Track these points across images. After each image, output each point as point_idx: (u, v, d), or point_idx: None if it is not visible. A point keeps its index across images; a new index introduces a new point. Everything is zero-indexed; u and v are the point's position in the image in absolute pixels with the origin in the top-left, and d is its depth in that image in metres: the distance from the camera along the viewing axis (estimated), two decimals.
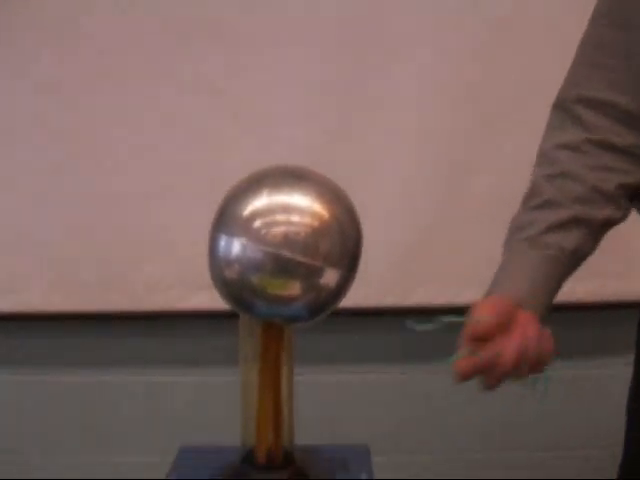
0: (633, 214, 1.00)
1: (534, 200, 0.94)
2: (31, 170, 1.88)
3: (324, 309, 0.87)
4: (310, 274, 0.84)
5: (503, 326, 0.81)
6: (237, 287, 0.86)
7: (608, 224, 0.94)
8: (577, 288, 1.87)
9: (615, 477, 1.15)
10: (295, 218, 0.84)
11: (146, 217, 1.89)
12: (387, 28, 1.83)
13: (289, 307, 0.86)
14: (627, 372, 1.15)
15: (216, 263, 0.87)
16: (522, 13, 1.82)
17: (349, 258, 0.86)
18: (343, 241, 0.86)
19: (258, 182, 0.86)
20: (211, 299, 1.75)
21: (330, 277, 0.85)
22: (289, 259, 0.82)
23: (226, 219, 0.86)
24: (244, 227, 0.84)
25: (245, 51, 1.85)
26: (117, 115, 1.86)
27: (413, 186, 1.89)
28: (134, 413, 1.99)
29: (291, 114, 1.87)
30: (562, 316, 1.86)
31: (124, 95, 1.86)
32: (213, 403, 1.95)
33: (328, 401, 1.97)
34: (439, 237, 1.90)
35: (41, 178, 1.88)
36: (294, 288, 0.84)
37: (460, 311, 0.84)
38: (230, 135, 1.87)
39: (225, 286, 0.87)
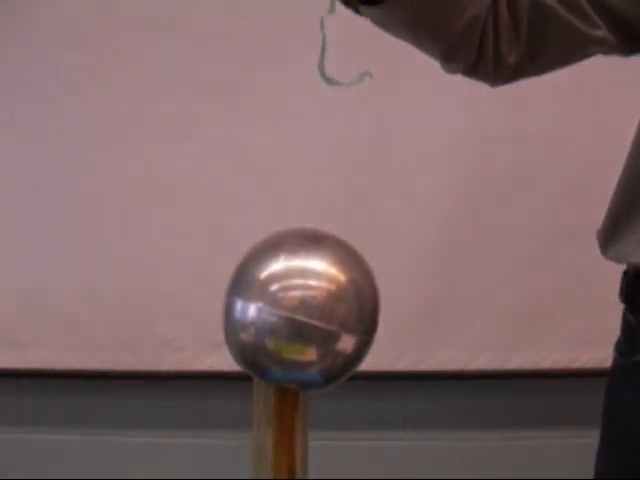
0: None
1: None
2: (45, 232, 1.89)
3: (341, 375, 0.86)
4: (326, 339, 0.83)
5: None
6: (252, 351, 0.85)
7: None
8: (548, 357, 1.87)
9: None
10: (312, 282, 0.83)
11: (158, 279, 1.89)
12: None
13: (304, 373, 0.85)
14: None
15: (231, 326, 0.86)
16: None
17: (366, 323, 0.85)
18: (360, 305, 0.85)
19: (275, 246, 0.86)
20: (223, 361, 1.77)
21: (347, 342, 0.84)
22: (305, 323, 0.82)
23: (242, 282, 0.85)
24: (260, 291, 0.83)
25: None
26: (130, 174, 1.88)
27: (426, 249, 1.89)
28: (144, 474, 1.97)
29: (305, 168, 1.87)
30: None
31: (132, 156, 1.88)
32: (225, 466, 1.92)
33: (342, 467, 1.94)
34: (452, 303, 1.90)
35: (55, 241, 1.89)
36: (310, 353, 0.83)
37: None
38: (245, 194, 1.88)
39: (240, 350, 0.86)
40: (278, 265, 0.84)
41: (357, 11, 0.92)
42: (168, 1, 1.86)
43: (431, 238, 1.89)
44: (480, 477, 1.95)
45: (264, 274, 0.84)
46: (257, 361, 0.85)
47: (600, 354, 1.77)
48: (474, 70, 0.97)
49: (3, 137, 1.89)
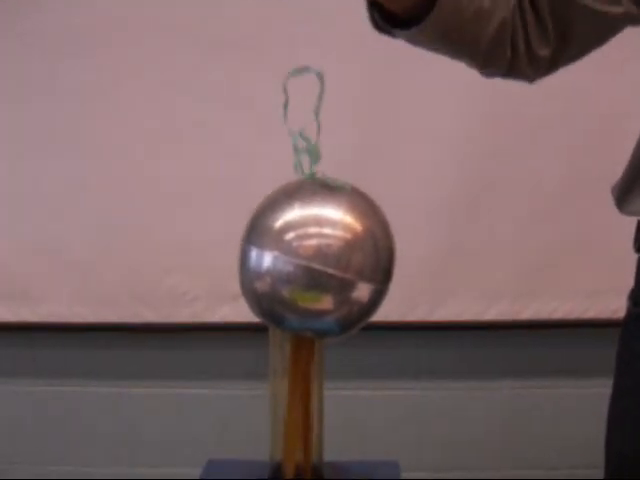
0: None
1: None
2: (58, 187, 1.89)
3: (356, 324, 0.86)
4: (342, 288, 0.82)
5: None
6: (268, 300, 0.85)
7: None
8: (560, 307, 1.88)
9: None
10: (327, 231, 0.83)
11: (171, 232, 1.89)
12: None
13: (320, 321, 0.85)
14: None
15: (247, 275, 0.86)
16: None
17: (382, 272, 0.85)
18: (376, 255, 0.84)
19: (290, 194, 0.85)
20: (236, 312, 1.78)
21: (362, 291, 0.83)
22: (321, 272, 0.81)
23: (257, 231, 0.85)
24: (276, 240, 0.83)
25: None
26: (142, 124, 1.87)
27: (439, 201, 1.88)
28: (160, 425, 1.99)
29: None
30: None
31: (149, 103, 1.87)
32: (240, 417, 1.94)
33: (356, 416, 1.96)
34: (466, 253, 1.89)
35: (67, 195, 1.89)
36: (326, 302, 0.83)
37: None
38: (258, 146, 1.87)
39: (256, 299, 0.86)
40: (293, 213, 0.84)
41: (390, 33, 0.93)
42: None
43: (444, 189, 1.88)
44: (493, 427, 1.97)
45: (279, 222, 0.83)
46: (273, 310, 0.85)
47: (614, 304, 1.77)
48: (511, 71, 0.98)
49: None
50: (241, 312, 1.70)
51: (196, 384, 1.97)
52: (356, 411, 1.95)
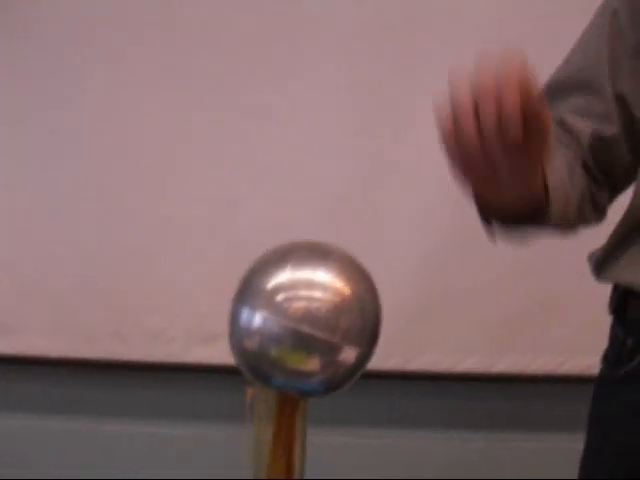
0: None
1: None
2: (41, 221, 1.89)
3: (341, 385, 0.88)
4: (329, 350, 0.85)
5: None
6: (256, 358, 0.87)
7: None
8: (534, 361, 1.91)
9: None
10: (317, 294, 0.85)
11: (151, 271, 1.90)
12: None
13: (306, 382, 0.87)
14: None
15: (236, 333, 0.88)
16: None
17: (368, 336, 0.88)
18: (363, 319, 0.87)
19: (282, 257, 0.88)
20: (212, 354, 1.79)
21: (349, 354, 0.86)
22: (309, 334, 0.84)
23: (249, 291, 0.87)
24: (267, 300, 0.85)
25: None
26: (129, 164, 1.89)
27: (417, 251, 1.91)
28: (131, 464, 1.98)
29: (302, 177, 1.88)
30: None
31: (134, 146, 1.89)
32: (215, 458, 1.93)
33: (325, 464, 1.96)
34: (443, 304, 1.92)
35: (50, 229, 1.89)
36: (312, 363, 0.85)
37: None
38: (240, 191, 1.89)
39: (244, 356, 0.88)
40: (285, 276, 0.86)
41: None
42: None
43: (421, 241, 1.91)
44: (463, 477, 1.98)
45: (271, 284, 0.85)
46: (260, 368, 0.87)
47: (588, 360, 1.80)
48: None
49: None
50: (218, 354, 1.72)
51: (170, 424, 1.97)
52: (326, 459, 1.95)
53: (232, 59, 1.88)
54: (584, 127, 1.00)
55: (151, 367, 1.93)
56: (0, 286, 1.91)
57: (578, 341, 1.87)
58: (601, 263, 1.08)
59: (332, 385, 0.88)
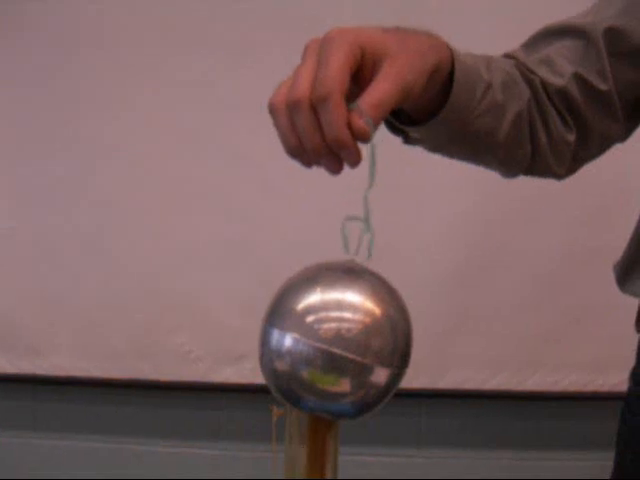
0: None
1: None
2: (66, 240, 1.90)
3: (372, 407, 0.88)
4: (360, 372, 0.84)
5: None
6: (286, 380, 0.86)
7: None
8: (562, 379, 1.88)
9: None
10: (348, 315, 0.84)
11: (178, 290, 1.91)
12: None
13: (337, 403, 0.86)
14: None
15: (267, 354, 0.87)
16: None
17: (400, 357, 0.87)
18: (395, 339, 0.86)
19: (312, 278, 0.87)
20: (239, 373, 1.78)
21: (380, 376, 0.85)
22: (340, 356, 0.83)
23: (279, 313, 0.86)
24: (297, 322, 0.84)
25: None
26: (152, 186, 1.89)
27: (445, 268, 1.90)
28: None
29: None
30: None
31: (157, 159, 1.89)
32: (241, 478, 1.93)
33: None
34: (471, 322, 1.91)
35: (76, 249, 1.90)
36: (343, 385, 0.85)
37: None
38: (264, 207, 1.89)
39: (274, 378, 0.87)
40: (315, 297, 0.85)
41: (404, 139, 0.95)
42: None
43: (449, 257, 1.90)
44: None
45: (301, 305, 0.85)
46: (291, 390, 0.86)
47: (615, 378, 1.78)
48: (534, 166, 0.98)
49: (23, 143, 1.91)
50: (244, 373, 1.72)
51: (196, 444, 1.97)
52: (356, 477, 1.94)
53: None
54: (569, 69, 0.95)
55: (178, 386, 1.93)
56: (25, 307, 1.92)
57: (607, 357, 1.85)
58: (622, 275, 1.07)
59: (363, 407, 0.87)
